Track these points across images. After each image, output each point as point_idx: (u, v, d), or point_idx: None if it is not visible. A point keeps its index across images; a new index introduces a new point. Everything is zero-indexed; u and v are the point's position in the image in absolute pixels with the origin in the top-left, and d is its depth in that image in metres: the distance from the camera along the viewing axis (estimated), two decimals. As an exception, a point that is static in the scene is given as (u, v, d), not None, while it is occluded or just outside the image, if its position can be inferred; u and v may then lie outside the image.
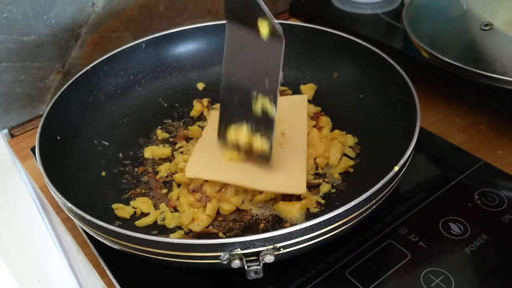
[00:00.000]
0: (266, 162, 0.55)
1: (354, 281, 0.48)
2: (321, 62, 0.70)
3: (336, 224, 0.45)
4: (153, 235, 0.52)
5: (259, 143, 0.55)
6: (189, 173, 0.55)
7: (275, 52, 0.51)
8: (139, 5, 0.77)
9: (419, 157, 0.61)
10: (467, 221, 0.53)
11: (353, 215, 0.45)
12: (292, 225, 0.46)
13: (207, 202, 0.54)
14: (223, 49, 0.73)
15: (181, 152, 0.63)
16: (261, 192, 0.55)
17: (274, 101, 0.53)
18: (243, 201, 0.56)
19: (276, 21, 0.51)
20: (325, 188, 0.56)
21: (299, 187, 0.54)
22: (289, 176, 0.55)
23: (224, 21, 0.66)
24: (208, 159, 0.58)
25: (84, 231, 0.56)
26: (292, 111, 0.64)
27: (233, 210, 0.55)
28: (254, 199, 0.55)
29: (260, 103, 0.53)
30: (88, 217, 0.46)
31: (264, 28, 0.51)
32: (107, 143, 0.64)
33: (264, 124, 0.54)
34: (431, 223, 0.53)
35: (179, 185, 0.59)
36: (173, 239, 0.50)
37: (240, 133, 0.56)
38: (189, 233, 0.53)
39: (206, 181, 0.56)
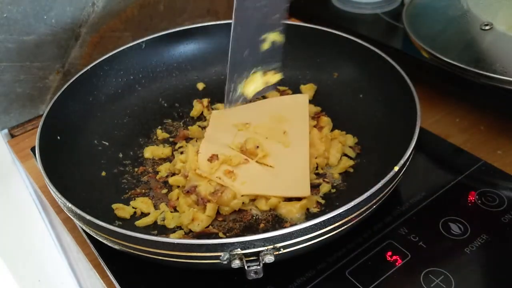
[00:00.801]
0: (277, 85, 0.58)
1: (354, 281, 0.48)
2: (321, 62, 0.70)
3: (336, 224, 0.45)
4: (153, 235, 0.52)
5: (274, 77, 0.58)
6: (200, 170, 0.55)
7: None
8: (139, 5, 0.77)
9: (419, 157, 0.61)
10: (467, 221, 0.53)
11: (353, 215, 0.45)
12: (292, 225, 0.46)
13: (206, 203, 0.54)
14: (223, 49, 0.73)
15: (181, 153, 0.63)
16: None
17: (283, 32, 0.55)
18: (242, 202, 0.56)
19: None
20: (325, 188, 0.56)
21: (304, 190, 0.54)
22: (292, 179, 0.55)
23: (224, 21, 0.66)
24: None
25: (84, 231, 0.56)
26: (294, 110, 0.64)
27: (233, 210, 0.55)
28: (258, 206, 0.55)
29: (270, 40, 0.55)
30: (88, 217, 0.46)
31: None
32: (107, 143, 0.64)
33: (272, 57, 0.56)
34: (431, 223, 0.53)
35: (178, 186, 0.59)
36: (173, 239, 0.50)
37: (256, 81, 0.57)
38: (189, 233, 0.53)
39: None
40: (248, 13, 0.52)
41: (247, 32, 0.54)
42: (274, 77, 0.59)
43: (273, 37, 0.55)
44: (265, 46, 0.55)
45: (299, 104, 0.65)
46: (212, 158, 0.57)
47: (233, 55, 0.53)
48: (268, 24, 0.55)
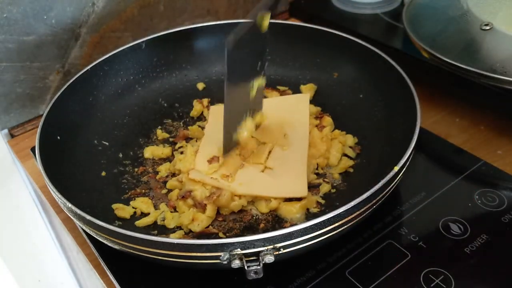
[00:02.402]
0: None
1: (354, 281, 0.48)
2: (321, 62, 0.70)
3: (336, 224, 0.45)
4: (153, 235, 0.52)
5: (261, 118, 0.61)
6: (193, 175, 0.55)
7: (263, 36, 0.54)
8: (139, 5, 0.77)
9: (419, 157, 0.61)
10: (467, 221, 0.53)
11: (353, 215, 0.45)
12: (292, 225, 0.46)
13: (204, 207, 0.54)
14: (223, 49, 0.73)
15: (181, 153, 0.63)
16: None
17: (265, 73, 0.58)
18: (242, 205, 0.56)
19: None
20: (325, 188, 0.56)
21: (301, 190, 0.54)
22: (290, 180, 0.55)
23: (224, 21, 0.67)
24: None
25: (84, 231, 0.56)
26: (294, 111, 0.64)
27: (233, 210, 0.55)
28: (258, 208, 0.55)
29: (256, 87, 0.57)
30: (88, 217, 0.46)
31: (266, 21, 0.53)
32: (107, 143, 0.64)
33: (258, 100, 0.59)
34: (431, 223, 0.53)
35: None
36: (173, 239, 0.50)
37: (248, 127, 0.59)
38: (189, 233, 0.53)
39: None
40: (238, 72, 0.53)
41: (239, 93, 0.55)
42: (261, 118, 0.61)
43: (258, 83, 0.57)
44: (253, 93, 0.57)
45: (300, 104, 0.65)
46: (213, 160, 0.57)
47: (228, 112, 0.54)
48: (253, 72, 0.56)
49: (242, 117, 0.58)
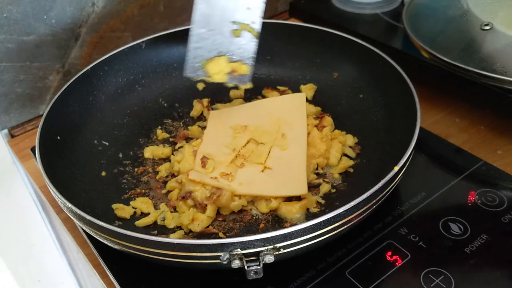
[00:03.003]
0: (245, 83, 0.60)
1: (354, 281, 0.48)
2: (321, 62, 0.70)
3: (336, 224, 0.45)
4: (153, 235, 0.52)
5: (242, 68, 0.59)
6: (193, 176, 0.55)
7: None
8: (139, 5, 0.77)
9: (419, 157, 0.61)
10: (467, 221, 0.53)
11: (353, 215, 0.45)
12: (292, 225, 0.46)
13: (204, 207, 0.54)
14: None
15: (174, 154, 0.63)
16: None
17: (258, 26, 0.58)
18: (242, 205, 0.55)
19: None
20: (325, 188, 0.56)
21: (301, 188, 0.54)
22: (290, 179, 0.55)
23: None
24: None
25: (84, 231, 0.56)
26: (292, 111, 0.64)
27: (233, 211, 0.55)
28: (258, 208, 0.55)
29: (242, 30, 0.57)
30: (88, 217, 0.46)
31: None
32: (107, 143, 0.64)
33: (244, 49, 0.58)
34: (431, 223, 0.53)
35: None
36: (173, 239, 0.50)
37: (220, 64, 0.59)
38: (189, 233, 0.53)
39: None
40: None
41: (215, 10, 0.56)
42: (241, 68, 0.60)
43: (245, 27, 0.57)
44: (236, 34, 0.57)
45: (297, 104, 0.65)
46: (203, 160, 0.57)
47: (199, 26, 0.55)
48: (240, 13, 0.56)
49: (214, 47, 0.58)
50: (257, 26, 0.58)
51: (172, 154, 0.63)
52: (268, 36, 0.67)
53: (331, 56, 0.69)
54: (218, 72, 0.59)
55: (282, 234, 0.43)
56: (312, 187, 0.57)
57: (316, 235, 0.44)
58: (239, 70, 0.59)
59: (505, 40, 0.63)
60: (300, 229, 0.43)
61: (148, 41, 0.70)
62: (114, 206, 0.56)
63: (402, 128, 0.55)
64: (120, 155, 0.63)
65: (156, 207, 0.57)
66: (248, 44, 0.58)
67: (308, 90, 0.69)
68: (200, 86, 0.73)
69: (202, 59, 0.58)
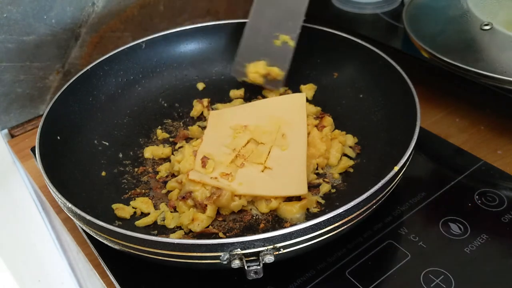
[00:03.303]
0: (279, 86, 0.68)
1: (354, 281, 0.48)
2: (321, 62, 0.70)
3: (336, 224, 0.45)
4: (153, 235, 0.52)
5: (276, 72, 0.67)
6: (193, 176, 0.55)
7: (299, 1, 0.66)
8: (139, 5, 0.77)
9: (419, 157, 0.61)
10: (467, 221, 0.53)
11: (353, 215, 0.45)
12: (292, 225, 0.46)
13: (204, 207, 0.54)
14: (223, 49, 0.74)
15: (174, 154, 0.63)
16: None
17: (295, 39, 0.66)
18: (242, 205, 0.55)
19: None
20: (325, 188, 0.56)
21: (301, 188, 0.54)
22: (290, 178, 0.55)
23: (224, 21, 0.67)
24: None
25: (84, 231, 0.56)
26: (292, 110, 0.64)
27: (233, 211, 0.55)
28: (258, 208, 0.55)
29: (282, 40, 0.66)
30: (88, 217, 0.46)
31: None
32: (107, 143, 0.64)
33: (281, 56, 0.66)
34: (431, 223, 0.53)
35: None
36: (173, 239, 0.50)
37: (259, 67, 0.67)
38: (189, 233, 0.53)
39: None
40: (266, 9, 0.67)
41: (263, 24, 0.67)
42: (276, 72, 0.67)
43: (284, 38, 0.66)
44: (277, 43, 0.66)
45: (297, 104, 0.65)
46: (203, 160, 0.57)
47: (248, 37, 0.67)
48: (282, 26, 0.66)
49: (258, 53, 0.67)
50: (295, 38, 0.66)
51: (172, 154, 0.63)
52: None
53: (331, 56, 0.69)
54: (255, 72, 0.67)
55: (282, 234, 0.43)
56: (312, 187, 0.57)
57: (316, 235, 0.44)
58: (274, 75, 0.67)
59: (505, 40, 0.63)
60: (300, 229, 0.43)
61: (148, 41, 0.70)
62: (114, 206, 0.56)
63: (402, 128, 0.55)
64: (120, 155, 0.63)
65: (156, 207, 0.57)
66: (285, 53, 0.66)
67: (308, 90, 0.69)
68: (200, 86, 0.73)
69: (246, 62, 0.67)
